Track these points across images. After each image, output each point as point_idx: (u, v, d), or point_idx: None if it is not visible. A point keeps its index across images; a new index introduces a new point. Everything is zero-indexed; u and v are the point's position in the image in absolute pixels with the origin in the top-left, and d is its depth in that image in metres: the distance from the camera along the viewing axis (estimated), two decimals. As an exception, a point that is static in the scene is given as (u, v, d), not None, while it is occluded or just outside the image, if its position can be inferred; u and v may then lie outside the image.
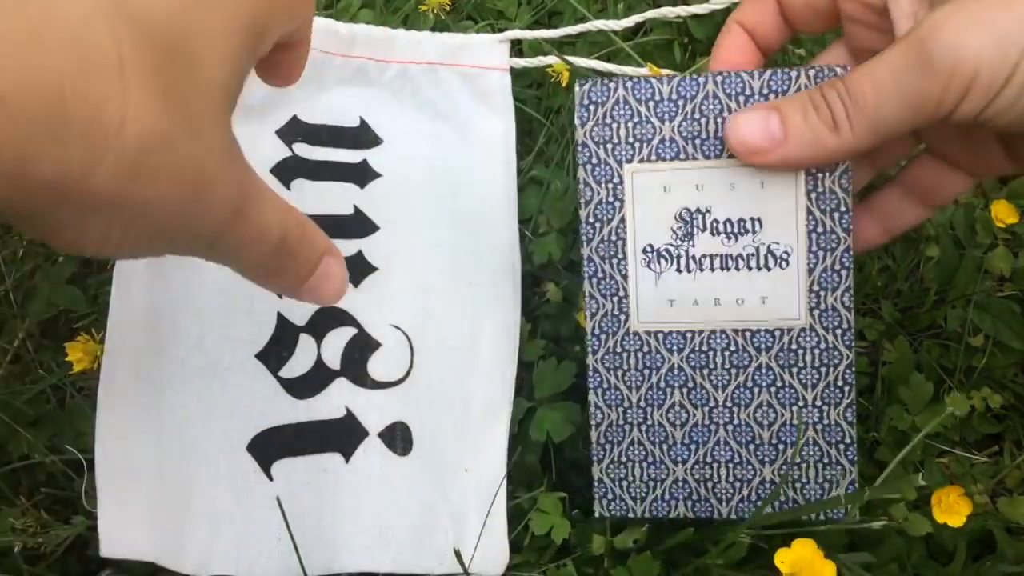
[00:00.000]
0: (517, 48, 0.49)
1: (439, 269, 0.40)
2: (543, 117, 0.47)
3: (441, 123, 0.42)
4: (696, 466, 0.35)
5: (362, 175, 0.40)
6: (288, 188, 0.39)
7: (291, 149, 0.40)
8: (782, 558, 0.33)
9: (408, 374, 0.38)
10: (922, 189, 0.37)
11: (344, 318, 0.38)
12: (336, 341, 0.38)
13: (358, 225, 0.39)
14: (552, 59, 0.45)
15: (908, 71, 0.29)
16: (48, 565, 0.39)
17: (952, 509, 0.37)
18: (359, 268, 0.39)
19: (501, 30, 0.50)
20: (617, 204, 0.34)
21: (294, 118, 0.40)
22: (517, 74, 0.44)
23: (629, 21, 0.45)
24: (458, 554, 0.36)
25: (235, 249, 0.26)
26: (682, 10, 0.46)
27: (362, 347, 0.38)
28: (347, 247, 0.39)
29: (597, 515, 0.35)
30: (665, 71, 0.45)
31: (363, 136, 0.42)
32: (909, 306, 0.45)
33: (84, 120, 0.19)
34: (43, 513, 0.40)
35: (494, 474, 0.38)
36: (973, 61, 0.27)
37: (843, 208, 0.33)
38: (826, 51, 0.37)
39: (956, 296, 0.45)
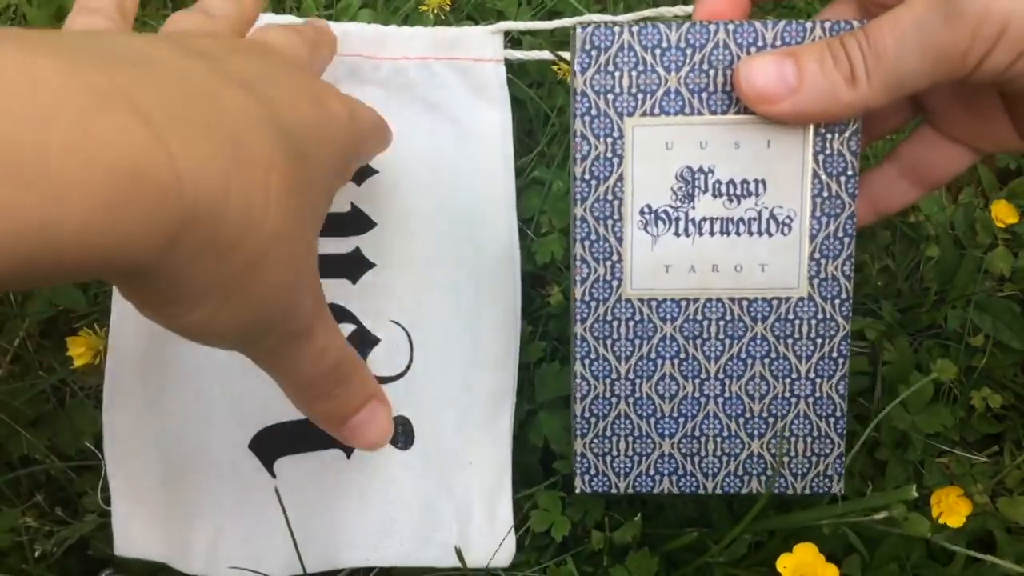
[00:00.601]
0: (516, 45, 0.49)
1: (437, 262, 0.40)
2: (544, 117, 0.47)
3: (437, 117, 0.42)
4: (683, 440, 0.34)
5: (359, 172, 0.40)
6: None
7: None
8: (784, 563, 0.32)
9: (408, 369, 0.38)
10: (919, 166, 0.35)
11: (342, 315, 0.39)
12: None
13: (355, 222, 0.40)
14: (546, 54, 0.44)
15: (932, 20, 0.27)
16: (48, 565, 0.39)
17: (952, 509, 0.37)
18: (356, 265, 0.39)
19: (501, 30, 0.50)
20: (616, 160, 0.32)
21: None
22: (517, 73, 0.44)
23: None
24: (459, 552, 0.36)
25: (296, 360, 0.28)
26: (681, 10, 0.46)
27: (360, 343, 0.38)
28: (344, 244, 0.39)
29: (578, 491, 0.34)
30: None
31: None
32: (909, 306, 0.45)
33: (237, 215, 0.22)
34: (43, 515, 0.40)
35: (499, 466, 0.39)
36: (1003, 12, 0.26)
37: (850, 172, 0.32)
38: (832, 6, 0.35)
39: (956, 296, 0.45)
